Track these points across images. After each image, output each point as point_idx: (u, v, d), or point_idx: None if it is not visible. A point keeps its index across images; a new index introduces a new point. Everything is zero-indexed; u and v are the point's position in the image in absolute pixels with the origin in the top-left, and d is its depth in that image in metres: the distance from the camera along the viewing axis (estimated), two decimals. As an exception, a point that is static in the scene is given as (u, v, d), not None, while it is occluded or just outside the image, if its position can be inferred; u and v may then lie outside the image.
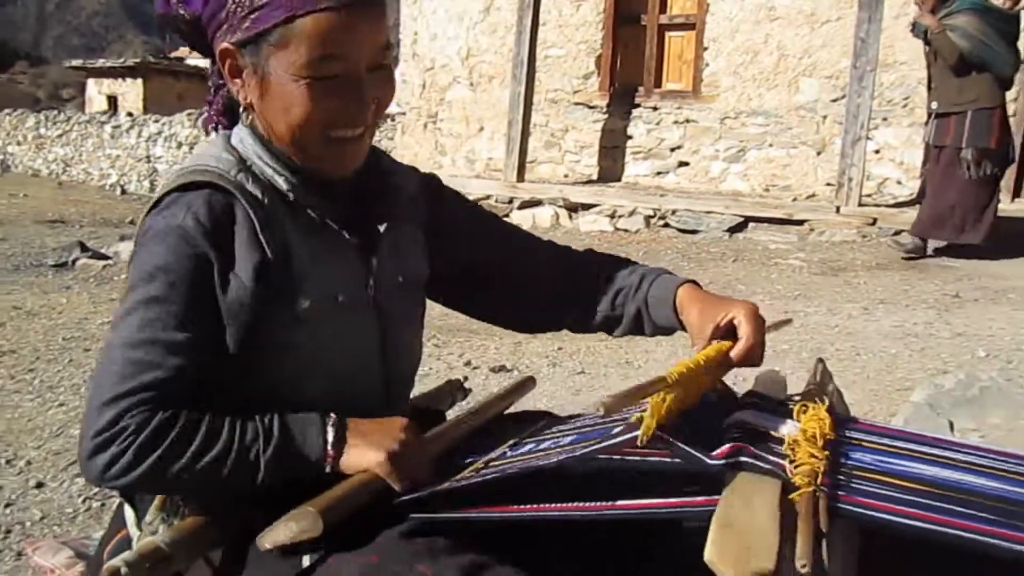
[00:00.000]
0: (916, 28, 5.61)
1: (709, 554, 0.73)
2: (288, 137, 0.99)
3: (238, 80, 0.99)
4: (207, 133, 1.08)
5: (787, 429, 0.92)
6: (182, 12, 0.99)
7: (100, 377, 0.90)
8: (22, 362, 3.59)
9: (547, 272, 1.21)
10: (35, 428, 2.80)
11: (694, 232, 6.83)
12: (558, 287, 1.21)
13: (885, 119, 7.00)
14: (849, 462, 0.90)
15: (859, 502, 0.83)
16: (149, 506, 0.98)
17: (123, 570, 0.83)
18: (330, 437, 0.92)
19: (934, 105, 5.54)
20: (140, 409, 0.88)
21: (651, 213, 7.13)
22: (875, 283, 5.04)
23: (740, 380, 3.13)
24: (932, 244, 5.83)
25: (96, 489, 2.27)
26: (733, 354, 1.02)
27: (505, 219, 1.27)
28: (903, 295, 4.71)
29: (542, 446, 1.00)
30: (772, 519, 0.76)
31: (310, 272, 1.00)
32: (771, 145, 7.55)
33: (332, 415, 0.93)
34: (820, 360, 1.30)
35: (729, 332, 1.04)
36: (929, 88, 5.63)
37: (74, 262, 6.47)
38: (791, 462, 0.85)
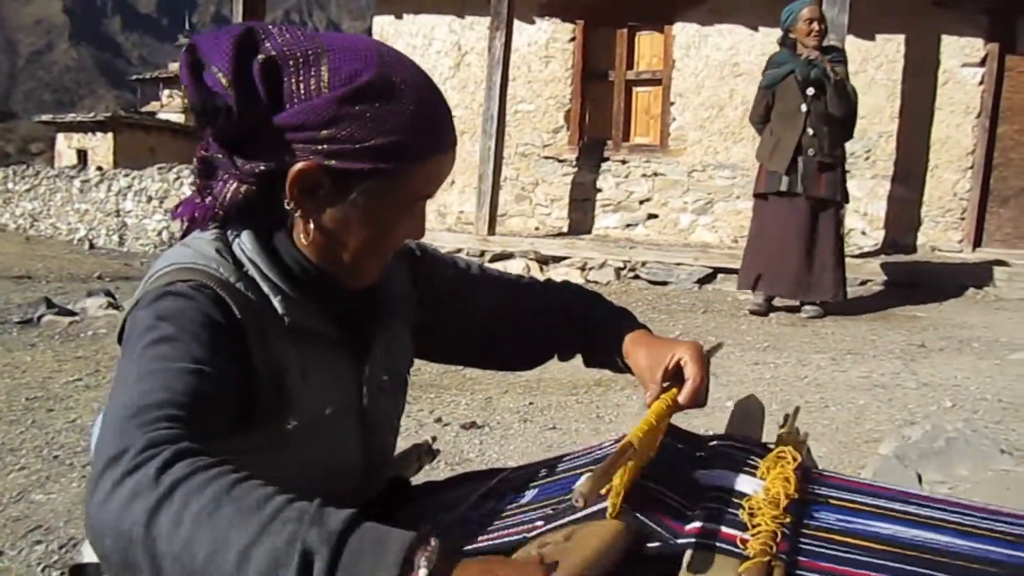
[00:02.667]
0: (812, 68, 5.26)
1: None
2: (350, 261, 0.94)
3: (307, 201, 0.90)
4: (200, 227, 0.95)
5: (751, 489, 0.91)
6: (243, 108, 0.87)
7: (107, 419, 0.75)
8: (-17, 423, 3.52)
9: (532, 313, 1.22)
10: (-6, 493, 2.74)
11: (664, 284, 6.89)
12: (544, 328, 1.22)
13: (848, 171, 7.12)
14: (813, 523, 0.89)
15: (820, 567, 0.81)
16: None
17: None
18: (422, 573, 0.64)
19: (810, 152, 5.33)
20: (158, 431, 0.71)
21: (621, 265, 7.19)
22: (843, 333, 5.10)
23: (718, 410, 3.14)
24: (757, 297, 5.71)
25: (56, 557, 2.21)
26: (681, 398, 1.02)
27: (487, 266, 1.29)
28: (870, 345, 4.77)
29: (505, 508, 1.01)
30: None
31: (300, 391, 0.94)
32: (738, 197, 7.67)
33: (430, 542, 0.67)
34: (796, 409, 1.30)
35: (676, 374, 1.06)
36: (804, 133, 5.35)
37: (40, 319, 6.36)
38: (750, 528, 0.84)
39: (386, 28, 9.19)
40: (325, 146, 0.87)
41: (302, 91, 0.87)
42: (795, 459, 0.98)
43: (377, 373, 1.05)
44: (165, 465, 0.67)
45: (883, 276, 6.43)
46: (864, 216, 7.40)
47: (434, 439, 1.42)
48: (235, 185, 0.91)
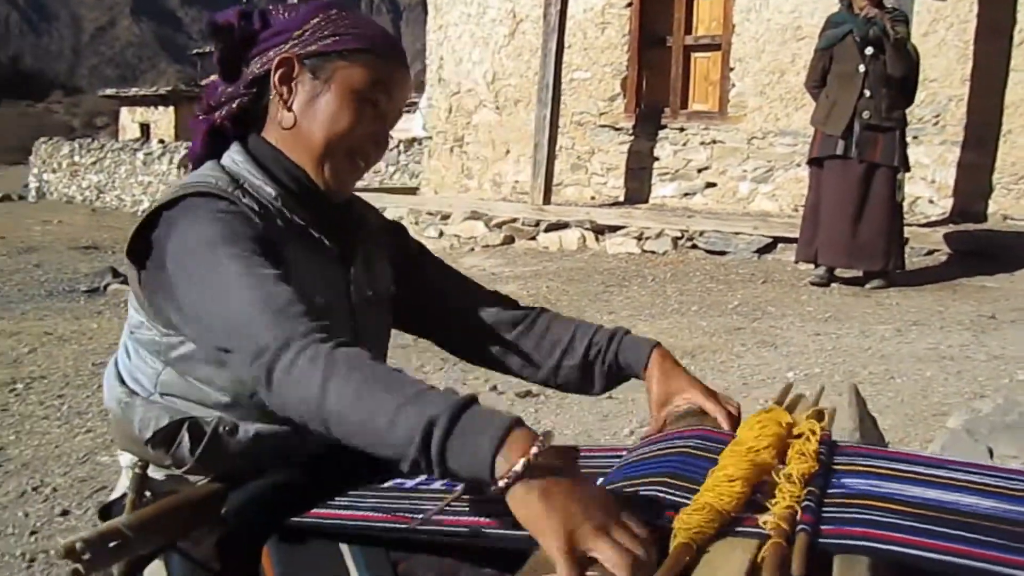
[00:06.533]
0: (870, 26, 5.11)
1: None
2: (321, 145, 1.09)
3: (285, 87, 1.10)
4: (203, 150, 1.16)
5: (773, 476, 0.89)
6: (244, 26, 1.13)
7: (241, 316, 0.90)
8: (52, 388, 3.63)
9: (513, 322, 1.28)
10: (62, 455, 2.82)
11: (722, 253, 6.77)
12: (528, 340, 1.27)
13: (916, 137, 6.91)
14: (839, 490, 0.87)
15: (848, 532, 0.78)
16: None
17: (78, 546, 0.84)
18: (503, 445, 0.76)
19: (865, 115, 5.16)
20: (312, 325, 0.88)
21: (679, 235, 7.08)
22: (908, 304, 4.96)
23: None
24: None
25: (120, 517, 2.27)
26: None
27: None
28: (937, 316, 4.62)
29: None
30: None
31: (295, 275, 1.02)
32: (799, 165, 7.46)
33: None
34: (822, 388, 1.26)
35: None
36: (861, 95, 5.18)
37: (106, 287, 6.55)
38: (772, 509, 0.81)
39: (441, -4, 9.15)
40: (297, 40, 1.10)
41: (282, 16, 1.13)
42: (813, 432, 0.95)
43: (361, 281, 1.17)
44: (333, 347, 0.85)
45: (951, 245, 6.22)
46: (932, 184, 7.15)
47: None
48: (234, 103, 1.13)
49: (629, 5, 8.26)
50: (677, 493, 0.85)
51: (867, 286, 5.39)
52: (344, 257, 1.15)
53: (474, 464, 0.77)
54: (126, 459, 1.12)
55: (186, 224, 0.99)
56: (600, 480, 0.97)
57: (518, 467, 0.74)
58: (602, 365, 1.22)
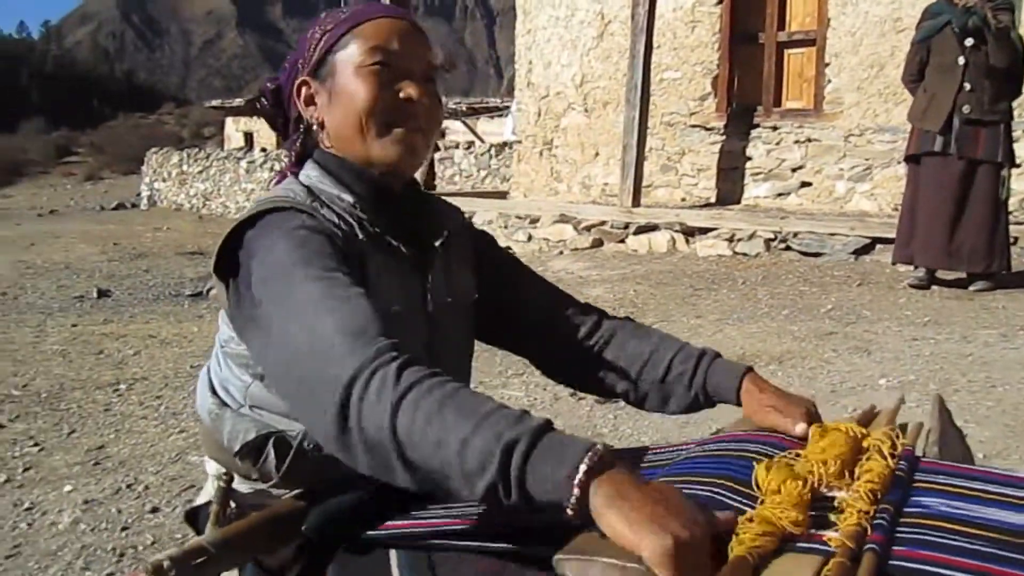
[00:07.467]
0: (969, 16, 4.86)
1: None
2: (355, 131, 1.10)
3: (312, 107, 1.14)
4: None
5: (843, 493, 0.85)
6: (269, 85, 1.19)
7: (322, 342, 0.88)
8: (151, 389, 3.79)
9: (594, 334, 1.25)
10: (156, 453, 2.94)
11: (817, 255, 6.57)
12: (607, 353, 1.24)
13: (1026, 131, 6.56)
14: (915, 510, 0.82)
15: (919, 555, 0.74)
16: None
17: (165, 564, 0.86)
18: (584, 464, 0.74)
19: (965, 109, 4.91)
20: (381, 347, 0.86)
21: (772, 236, 6.90)
22: (1016, 307, 4.70)
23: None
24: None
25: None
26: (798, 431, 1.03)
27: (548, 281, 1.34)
28: (1048, 320, 4.38)
29: None
30: None
31: (375, 283, 1.05)
32: (899, 162, 7.17)
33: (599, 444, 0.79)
34: (901, 399, 1.21)
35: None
36: (960, 88, 4.94)
37: (208, 292, 6.81)
38: (840, 526, 0.78)
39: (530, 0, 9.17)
40: (301, 68, 1.14)
41: (290, 54, 1.19)
42: (892, 449, 0.92)
43: (439, 287, 1.16)
44: (400, 370, 0.84)
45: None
46: (1044, 180, 6.78)
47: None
48: (291, 150, 1.18)
49: (720, 3, 8.12)
50: (735, 498, 0.83)
51: (971, 288, 5.14)
52: (422, 262, 1.14)
53: (552, 488, 0.76)
54: (212, 467, 1.15)
55: (265, 247, 1.00)
56: (658, 474, 0.96)
57: (580, 475, 0.74)
58: (687, 388, 1.17)
